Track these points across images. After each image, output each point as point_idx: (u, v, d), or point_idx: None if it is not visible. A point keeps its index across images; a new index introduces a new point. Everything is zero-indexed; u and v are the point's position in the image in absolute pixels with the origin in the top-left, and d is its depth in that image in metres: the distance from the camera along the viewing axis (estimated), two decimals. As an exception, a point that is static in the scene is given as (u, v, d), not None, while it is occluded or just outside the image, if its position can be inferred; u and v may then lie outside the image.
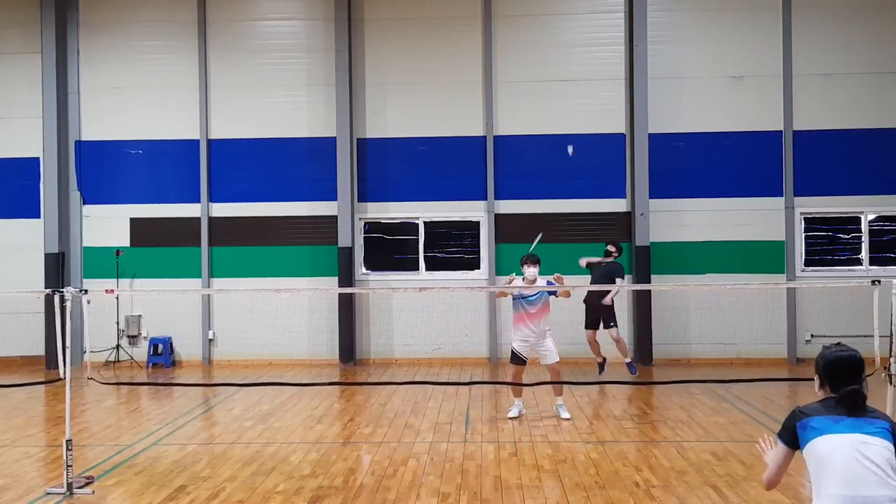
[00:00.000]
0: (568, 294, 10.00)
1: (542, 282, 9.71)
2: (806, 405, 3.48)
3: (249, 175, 15.51)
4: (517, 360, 9.85)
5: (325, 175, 15.17)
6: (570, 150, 14.74)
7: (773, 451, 3.51)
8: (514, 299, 9.79)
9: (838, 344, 3.58)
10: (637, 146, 14.72)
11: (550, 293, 9.71)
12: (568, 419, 9.70)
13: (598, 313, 12.65)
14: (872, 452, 3.12)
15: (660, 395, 11.50)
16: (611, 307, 12.58)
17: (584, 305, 12.85)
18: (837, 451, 3.16)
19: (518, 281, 9.95)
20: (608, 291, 12.33)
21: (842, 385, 3.36)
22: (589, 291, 12.61)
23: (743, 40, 15.06)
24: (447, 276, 15.25)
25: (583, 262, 13.06)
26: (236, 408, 10.87)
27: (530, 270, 9.71)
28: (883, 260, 15.01)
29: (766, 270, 14.71)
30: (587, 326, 12.79)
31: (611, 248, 13.00)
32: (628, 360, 12.80)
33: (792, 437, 3.40)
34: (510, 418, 9.78)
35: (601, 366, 12.79)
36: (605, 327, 12.63)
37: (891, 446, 3.16)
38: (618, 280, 12.62)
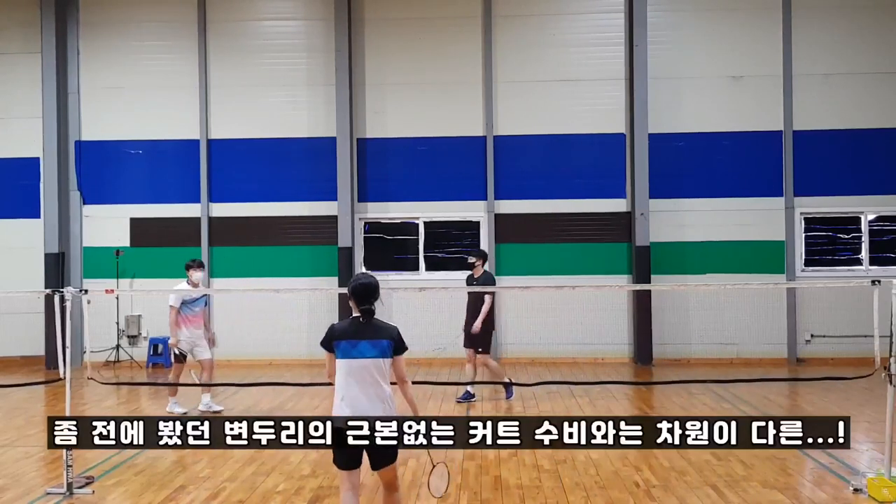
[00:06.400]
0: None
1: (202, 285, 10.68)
2: (339, 324, 5.32)
3: (249, 175, 15.51)
4: (179, 358, 10.39)
5: (325, 175, 15.17)
6: None
7: (328, 357, 5.24)
8: (182, 304, 10.26)
9: (364, 274, 5.48)
10: (637, 146, 14.72)
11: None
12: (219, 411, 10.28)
13: (470, 335, 11.06)
14: (372, 370, 5.09)
15: (660, 395, 11.50)
16: (483, 332, 10.98)
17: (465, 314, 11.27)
18: (351, 369, 5.09)
19: (184, 286, 10.49)
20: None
21: (364, 302, 5.20)
22: (467, 308, 11.18)
23: (743, 40, 15.06)
24: (447, 276, 15.24)
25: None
26: (236, 408, 10.87)
27: (196, 275, 10.51)
28: (883, 260, 15.01)
29: (766, 270, 14.70)
30: (465, 344, 11.25)
31: (473, 259, 11.17)
32: (506, 379, 11.10)
33: (330, 348, 5.20)
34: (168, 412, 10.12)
35: (467, 393, 11.15)
36: (476, 352, 11.06)
37: (387, 360, 5.15)
38: (486, 298, 10.78)
